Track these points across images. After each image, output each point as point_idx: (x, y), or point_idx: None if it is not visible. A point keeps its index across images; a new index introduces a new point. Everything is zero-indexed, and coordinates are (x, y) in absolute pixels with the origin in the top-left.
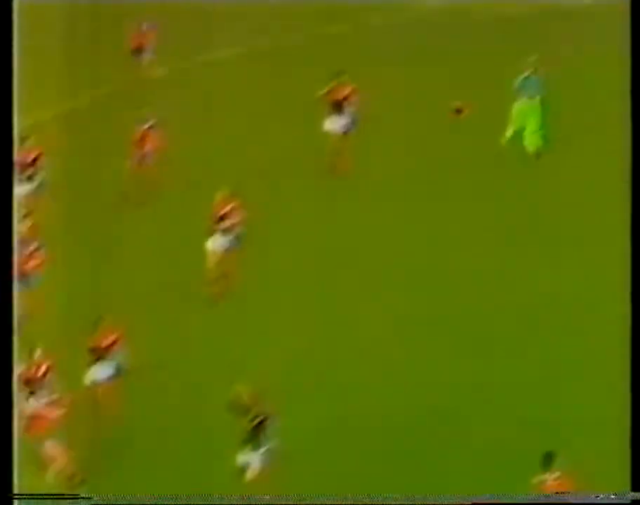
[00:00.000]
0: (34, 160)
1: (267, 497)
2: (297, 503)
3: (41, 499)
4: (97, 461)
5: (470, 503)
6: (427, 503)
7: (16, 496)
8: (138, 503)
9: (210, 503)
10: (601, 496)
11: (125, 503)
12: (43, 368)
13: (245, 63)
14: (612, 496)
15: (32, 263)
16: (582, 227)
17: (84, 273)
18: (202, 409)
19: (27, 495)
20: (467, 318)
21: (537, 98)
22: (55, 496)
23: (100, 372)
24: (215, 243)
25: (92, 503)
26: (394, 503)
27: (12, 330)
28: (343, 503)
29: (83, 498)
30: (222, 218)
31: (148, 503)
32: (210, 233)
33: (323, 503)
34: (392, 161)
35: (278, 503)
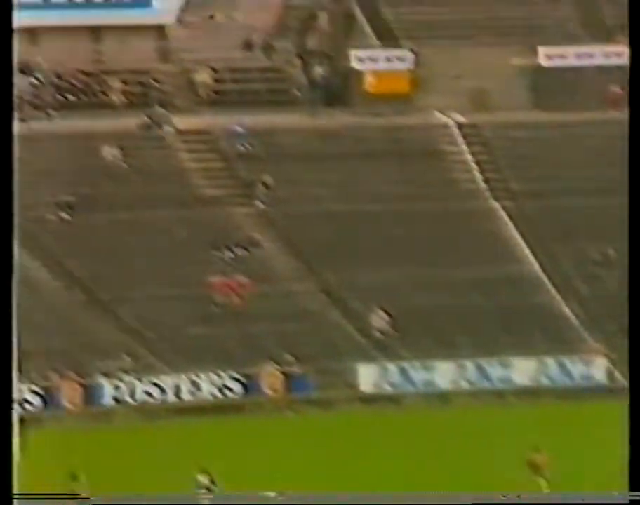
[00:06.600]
0: None
1: (265, 496)
2: (297, 503)
3: (41, 499)
4: None
5: (470, 503)
6: (427, 503)
7: (16, 496)
8: (138, 503)
9: (211, 503)
10: (601, 496)
11: (125, 503)
12: None
13: None
14: (612, 496)
15: None
16: None
17: None
18: None
19: (27, 495)
20: None
21: None
22: (55, 496)
23: None
24: None
25: (92, 503)
26: (394, 503)
27: (12, 332)
28: (344, 503)
29: (83, 498)
30: None
31: (148, 503)
32: None
33: (324, 503)
34: None
35: (275, 503)
